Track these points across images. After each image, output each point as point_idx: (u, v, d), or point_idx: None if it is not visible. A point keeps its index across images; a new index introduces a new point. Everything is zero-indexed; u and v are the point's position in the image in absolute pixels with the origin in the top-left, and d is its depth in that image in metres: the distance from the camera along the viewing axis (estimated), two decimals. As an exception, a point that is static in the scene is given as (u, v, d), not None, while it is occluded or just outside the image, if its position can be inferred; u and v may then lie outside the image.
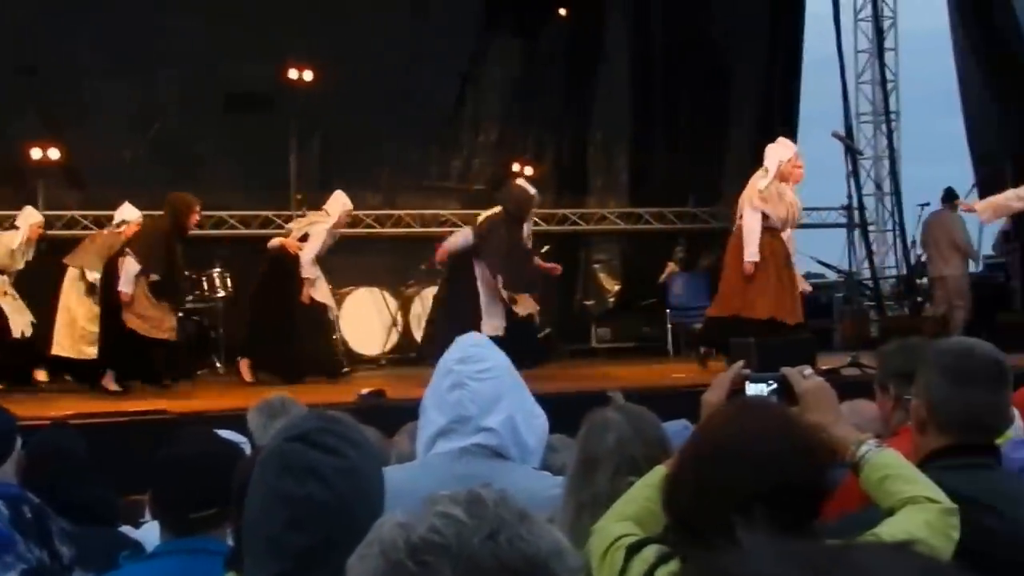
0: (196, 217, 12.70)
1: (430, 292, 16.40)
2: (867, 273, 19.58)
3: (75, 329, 12.99)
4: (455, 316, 12.62)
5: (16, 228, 13.28)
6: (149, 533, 4.42)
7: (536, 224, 14.94)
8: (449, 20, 17.38)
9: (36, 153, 14.57)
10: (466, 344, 3.71)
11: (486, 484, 1.65)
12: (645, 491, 2.95)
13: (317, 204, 15.07)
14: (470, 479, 1.90)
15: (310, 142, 16.37)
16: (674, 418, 4.38)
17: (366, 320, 15.69)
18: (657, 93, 18.93)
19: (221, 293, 14.40)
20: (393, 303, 16.22)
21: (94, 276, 12.96)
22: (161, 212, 12.64)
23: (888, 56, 21.18)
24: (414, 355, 15.32)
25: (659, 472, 2.94)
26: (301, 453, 2.35)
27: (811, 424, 2.90)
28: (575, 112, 18.61)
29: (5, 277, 13.06)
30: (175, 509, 3.69)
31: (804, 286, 13.20)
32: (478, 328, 12.32)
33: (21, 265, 13.17)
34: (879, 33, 20.90)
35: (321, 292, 13.42)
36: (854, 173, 16.09)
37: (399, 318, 16.28)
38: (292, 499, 2.31)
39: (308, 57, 15.49)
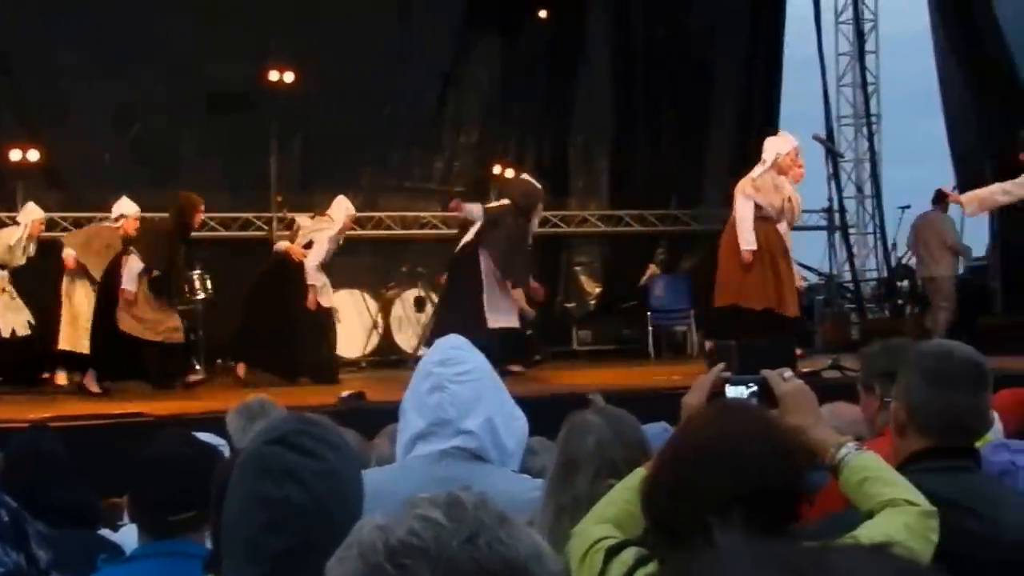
0: (201, 216, 12.87)
1: (411, 294, 16.46)
2: (848, 276, 19.65)
3: (79, 324, 12.92)
4: (456, 312, 12.63)
5: (16, 224, 13.26)
6: (127, 536, 4.41)
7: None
8: (430, 22, 17.38)
9: (15, 154, 14.52)
10: (446, 346, 3.71)
11: (466, 487, 1.64)
12: (625, 494, 2.94)
13: (298, 206, 15.07)
14: (449, 482, 1.90)
15: (291, 143, 16.34)
16: (654, 420, 4.38)
17: (346, 322, 15.66)
18: (638, 94, 18.94)
19: (201, 295, 14.36)
20: (374, 305, 16.23)
21: (96, 274, 12.94)
22: (162, 213, 12.74)
23: (869, 59, 21.27)
24: (395, 357, 15.32)
25: (639, 475, 2.93)
26: (279, 456, 2.34)
27: (791, 427, 2.90)
28: (556, 114, 18.63)
29: (5, 273, 13.01)
30: (153, 512, 3.68)
31: (798, 281, 13.22)
32: (482, 324, 12.37)
33: (22, 261, 13.13)
34: (860, 36, 20.97)
35: (327, 298, 13.44)
36: (835, 176, 16.15)
37: (380, 320, 16.28)
38: (270, 502, 2.30)
39: (289, 58, 15.46)
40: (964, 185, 17.20)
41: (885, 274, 19.84)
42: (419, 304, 16.36)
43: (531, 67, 18.37)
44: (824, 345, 15.82)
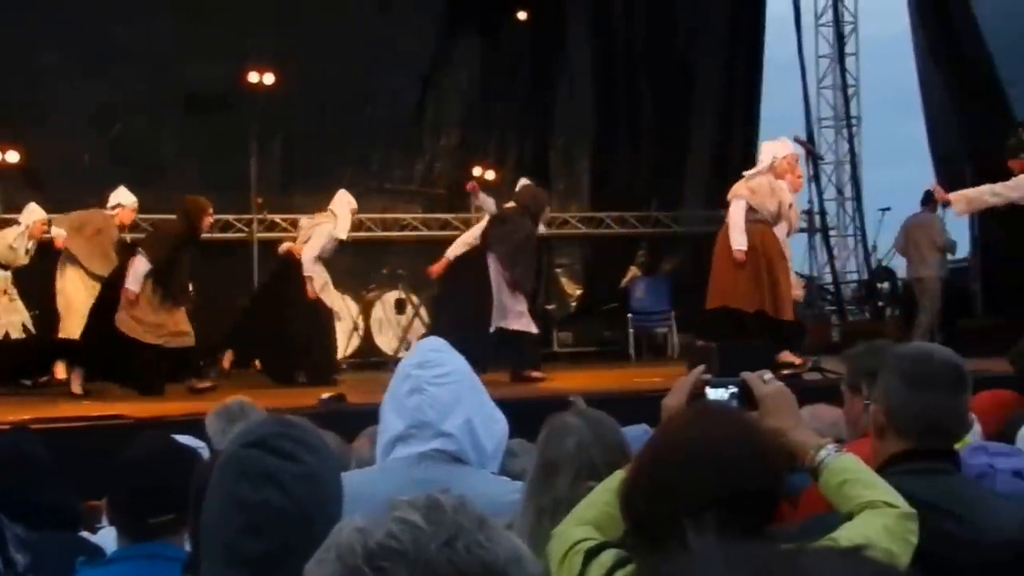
0: (209, 220, 12.90)
1: (391, 296, 16.46)
2: (828, 278, 19.68)
3: (72, 310, 12.86)
4: (454, 313, 12.65)
5: (17, 224, 13.25)
6: (106, 538, 4.39)
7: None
8: (411, 23, 17.37)
9: (-5, 155, 14.49)
10: (424, 349, 3.70)
11: (445, 489, 1.64)
12: (605, 495, 2.94)
13: (278, 207, 15.05)
14: (429, 484, 1.90)
15: (271, 144, 16.32)
16: (635, 423, 4.38)
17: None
18: (619, 96, 18.96)
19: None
20: (354, 307, 16.21)
21: (84, 259, 12.90)
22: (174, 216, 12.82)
23: (849, 61, 21.33)
24: (375, 359, 15.32)
25: (619, 477, 2.93)
26: (258, 459, 2.33)
27: (770, 429, 2.90)
28: (537, 115, 18.64)
29: (8, 274, 12.97)
30: (132, 514, 3.67)
31: (796, 290, 13.20)
32: (487, 326, 12.40)
33: (25, 261, 13.10)
34: (840, 38, 21.03)
35: (328, 295, 13.44)
36: (815, 178, 16.21)
37: (360, 322, 16.27)
38: (249, 505, 2.30)
39: (269, 59, 15.43)
40: (946, 187, 17.25)
41: (866, 276, 19.90)
42: (399, 306, 16.37)
43: (512, 68, 18.38)
44: (805, 347, 15.83)
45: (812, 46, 21.25)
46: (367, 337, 16.18)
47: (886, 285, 18.96)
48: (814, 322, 17.17)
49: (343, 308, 14.37)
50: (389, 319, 16.42)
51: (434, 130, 17.97)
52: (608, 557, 2.70)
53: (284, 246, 13.83)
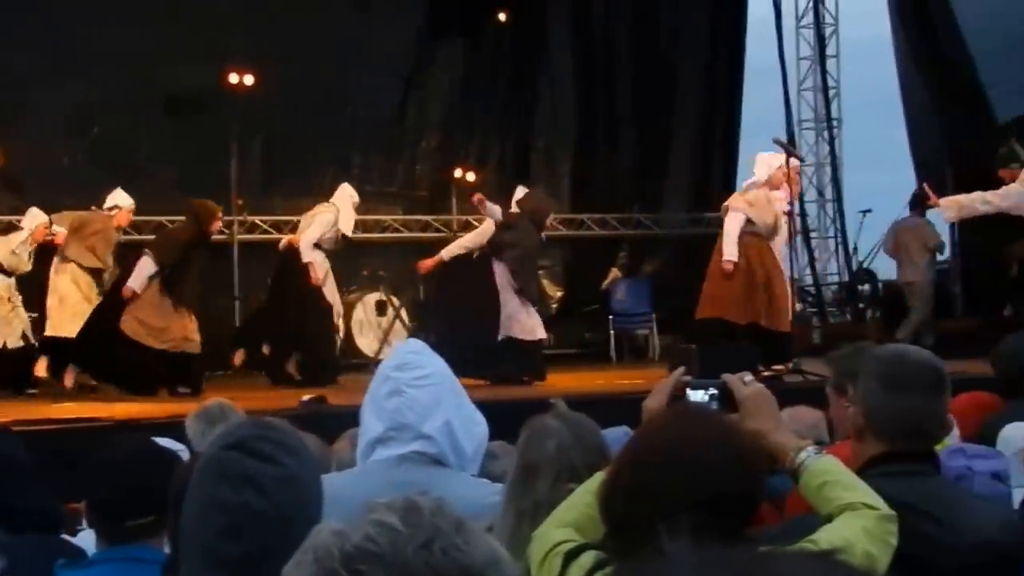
0: (218, 223, 12.93)
1: (372, 298, 16.45)
2: (809, 280, 19.72)
3: (65, 307, 12.80)
4: (456, 322, 12.62)
5: (20, 229, 13.21)
6: (87, 541, 4.38)
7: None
8: (391, 24, 17.35)
9: (-30, 157, 14.42)
10: (404, 351, 3.70)
11: (423, 492, 1.64)
12: (585, 497, 2.94)
13: (259, 209, 15.02)
14: (408, 486, 1.89)
15: (251, 146, 16.28)
16: (615, 424, 4.39)
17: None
18: (600, 97, 18.97)
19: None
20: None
21: (78, 257, 12.86)
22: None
23: (830, 63, 21.36)
24: (356, 361, 15.28)
25: (599, 479, 2.93)
26: (237, 461, 2.33)
27: (751, 431, 2.90)
28: (518, 117, 18.64)
29: (12, 281, 12.93)
30: (111, 517, 3.66)
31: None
32: (492, 334, 12.34)
33: (28, 267, 13.07)
34: (821, 40, 21.06)
35: (331, 289, 13.42)
36: (795, 180, 16.13)
37: (341, 324, 16.23)
38: (228, 507, 2.30)
39: (249, 60, 15.36)
40: (931, 188, 17.28)
41: (846, 278, 19.93)
42: (380, 308, 16.34)
43: (493, 70, 18.37)
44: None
45: (793, 48, 21.32)
46: (348, 339, 16.14)
47: (867, 287, 18.99)
48: (795, 324, 17.18)
49: (338, 304, 14.37)
50: (370, 321, 16.40)
51: (415, 131, 17.94)
52: (588, 559, 2.70)
53: (285, 240, 13.84)
